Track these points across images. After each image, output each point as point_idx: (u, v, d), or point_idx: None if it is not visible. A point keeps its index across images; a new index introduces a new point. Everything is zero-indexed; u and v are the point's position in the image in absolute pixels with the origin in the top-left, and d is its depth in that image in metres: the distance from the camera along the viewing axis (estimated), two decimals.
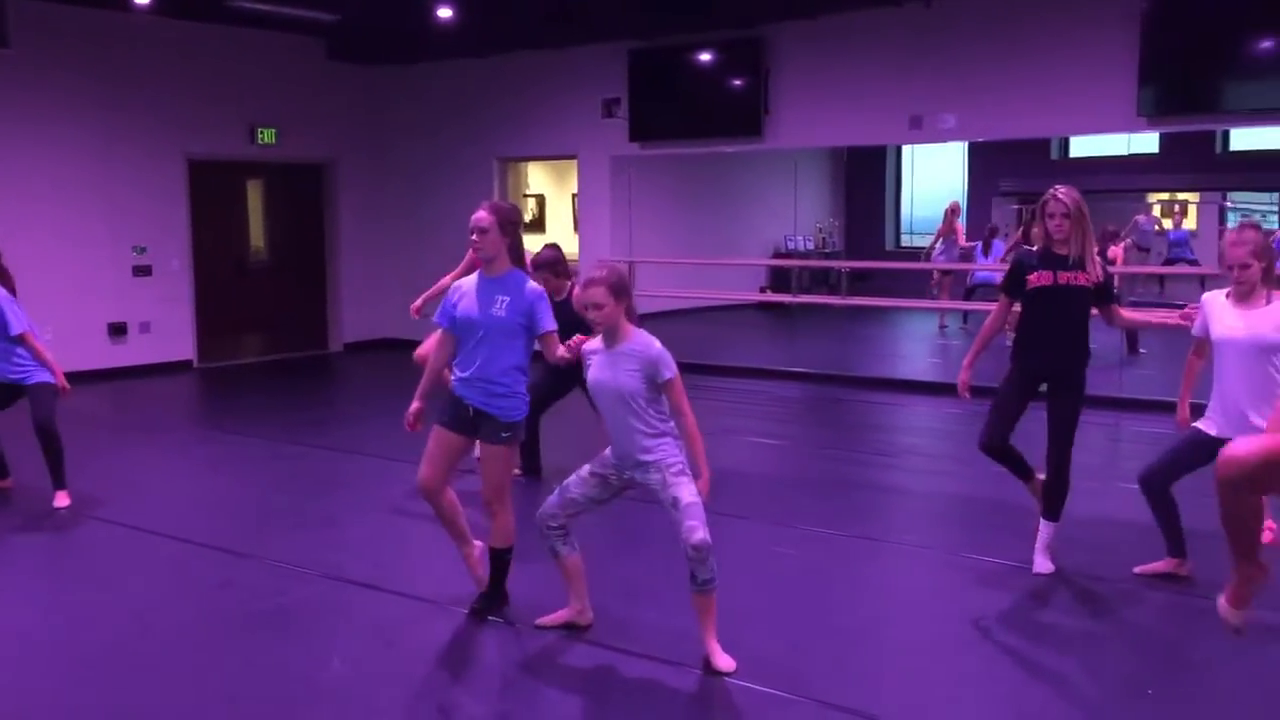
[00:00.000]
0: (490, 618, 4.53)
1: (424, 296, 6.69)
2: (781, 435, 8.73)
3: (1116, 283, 5.15)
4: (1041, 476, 5.11)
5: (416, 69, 12.86)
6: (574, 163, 12.49)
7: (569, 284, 6.41)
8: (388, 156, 13.20)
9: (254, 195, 12.70)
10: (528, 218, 15.22)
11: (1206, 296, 4.76)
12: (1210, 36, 8.59)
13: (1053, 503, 5.06)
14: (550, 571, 4.42)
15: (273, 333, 12.70)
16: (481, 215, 4.47)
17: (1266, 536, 2.77)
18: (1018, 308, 5.08)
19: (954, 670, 4.18)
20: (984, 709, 3.85)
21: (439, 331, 4.66)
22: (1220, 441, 4.64)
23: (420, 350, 6.59)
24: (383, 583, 5.00)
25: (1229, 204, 17.54)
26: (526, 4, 10.30)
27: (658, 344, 4.03)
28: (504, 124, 12.43)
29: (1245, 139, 16.78)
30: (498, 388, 4.43)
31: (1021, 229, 12.85)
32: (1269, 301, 4.53)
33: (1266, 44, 8.48)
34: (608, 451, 4.18)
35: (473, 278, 4.57)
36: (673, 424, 4.08)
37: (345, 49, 12.35)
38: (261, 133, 12.03)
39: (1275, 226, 15.69)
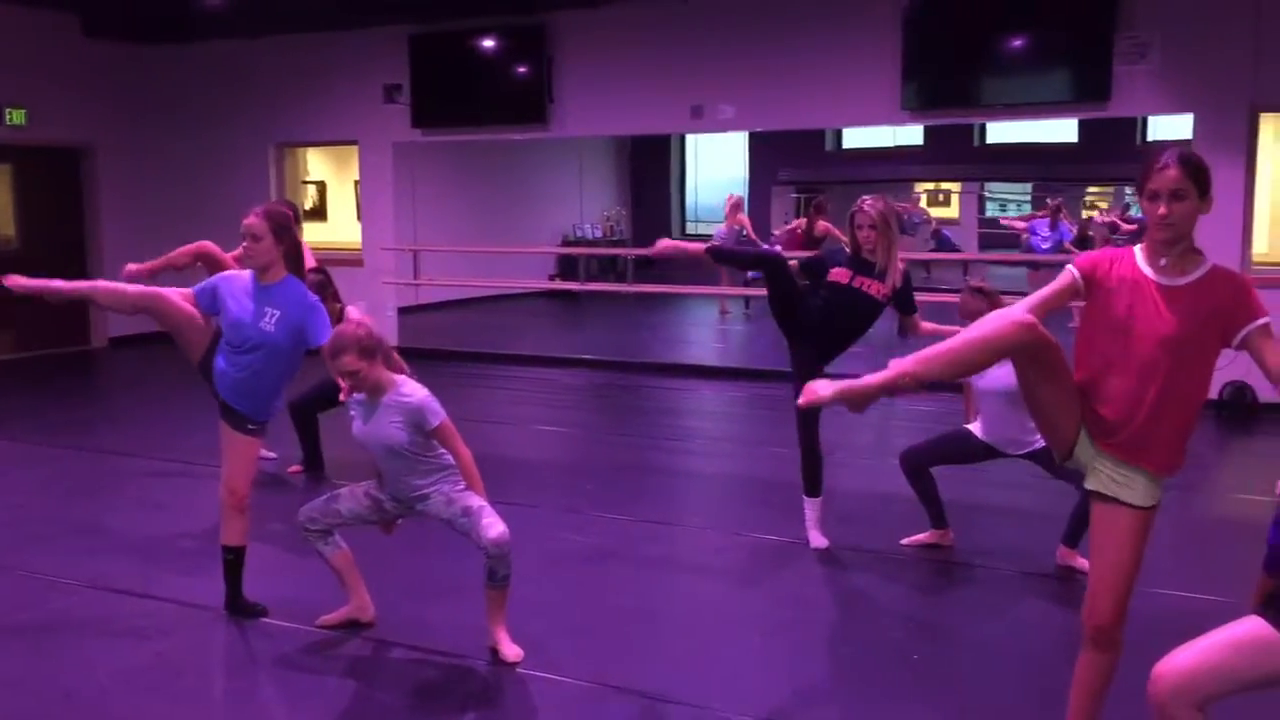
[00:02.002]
0: (265, 619, 4.38)
1: (164, 260, 6.06)
2: (570, 423, 8.78)
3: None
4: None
5: (185, 50, 12.21)
6: (356, 149, 12.17)
7: (339, 308, 6.01)
8: (156, 141, 12.48)
9: (1, 180, 11.79)
10: (308, 205, 14.75)
11: None
12: (966, 36, 9.11)
13: (811, 479, 5.27)
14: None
15: (27, 328, 11.79)
16: (253, 221, 4.18)
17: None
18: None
19: (734, 647, 4.29)
20: (762, 683, 3.97)
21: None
22: (985, 445, 5.02)
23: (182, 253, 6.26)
24: (152, 589, 4.75)
25: (986, 193, 18.71)
26: None
27: (421, 392, 3.91)
28: (281, 109, 11.98)
29: (1000, 132, 17.91)
30: (256, 395, 4.27)
31: (805, 218, 13.29)
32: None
33: (1017, 43, 9.06)
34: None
35: (247, 274, 4.31)
36: (448, 456, 3.99)
37: (103, 27, 11.60)
38: (10, 113, 11.17)
39: (1029, 211, 16.82)
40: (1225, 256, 8.38)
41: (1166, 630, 4.36)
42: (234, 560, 4.38)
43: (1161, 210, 2.78)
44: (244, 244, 4.21)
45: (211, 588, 4.56)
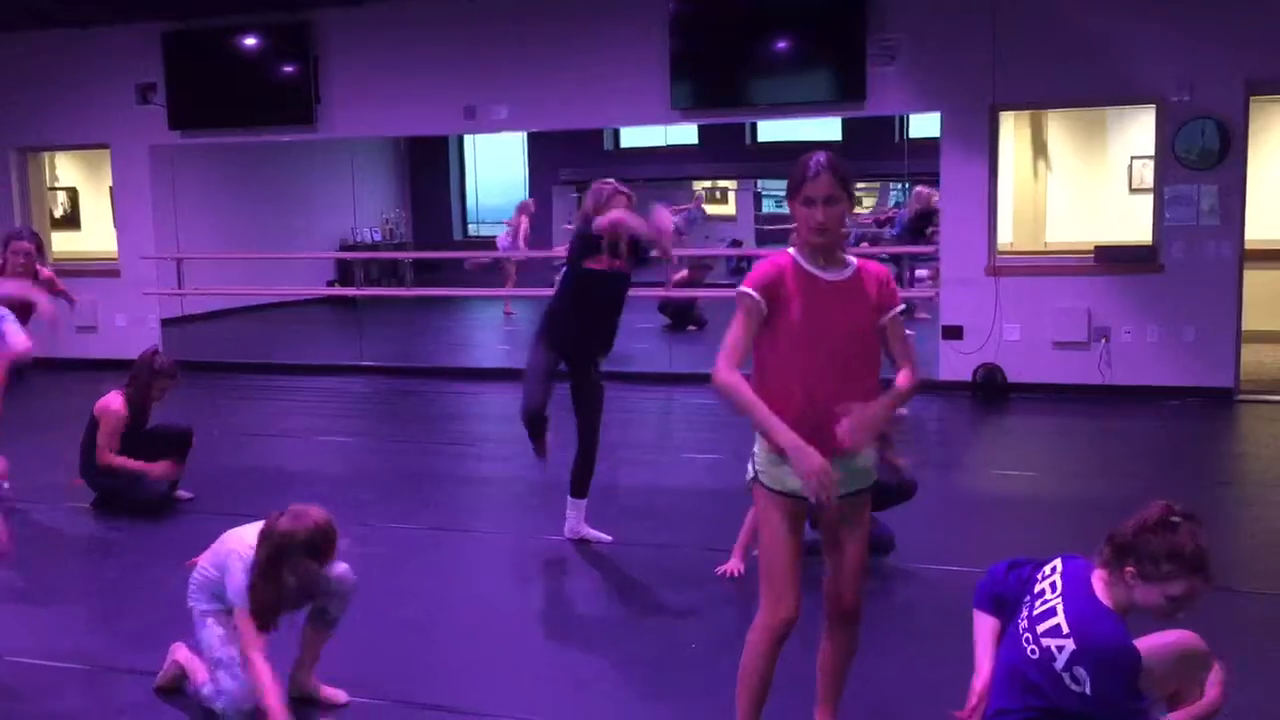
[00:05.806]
0: None
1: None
2: (351, 432, 8.54)
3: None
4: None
5: None
6: (109, 152, 11.48)
7: None
8: None
9: None
10: (58, 213, 13.84)
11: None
12: (730, 38, 9.36)
13: (582, 482, 5.36)
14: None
15: None
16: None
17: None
18: None
19: (519, 650, 4.27)
20: (545, 683, 3.97)
21: None
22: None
23: None
24: None
25: (760, 190, 19.30)
26: None
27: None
28: (22, 111, 11.15)
29: (770, 131, 18.49)
30: None
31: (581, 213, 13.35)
32: None
33: (779, 45, 9.38)
34: None
35: None
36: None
37: None
38: None
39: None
40: (973, 246, 8.94)
41: (926, 603, 4.62)
42: None
43: (820, 216, 2.89)
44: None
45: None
